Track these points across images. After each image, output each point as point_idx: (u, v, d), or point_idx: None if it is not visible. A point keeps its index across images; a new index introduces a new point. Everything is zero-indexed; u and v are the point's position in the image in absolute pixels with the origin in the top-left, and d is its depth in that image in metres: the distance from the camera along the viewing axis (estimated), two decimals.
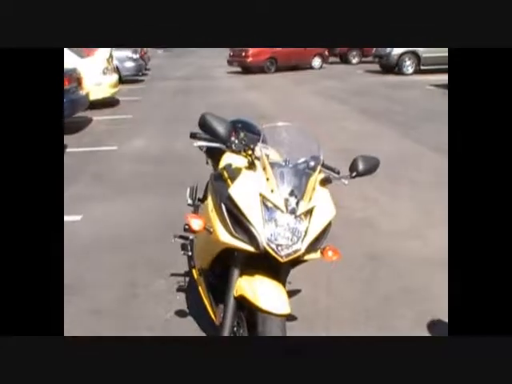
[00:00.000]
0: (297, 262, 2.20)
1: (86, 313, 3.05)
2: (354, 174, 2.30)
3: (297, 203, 2.08)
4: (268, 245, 2.04)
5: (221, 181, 2.38)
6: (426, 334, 2.72)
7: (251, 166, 2.22)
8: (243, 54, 18.00)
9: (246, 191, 2.14)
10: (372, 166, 2.34)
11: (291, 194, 2.09)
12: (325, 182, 2.27)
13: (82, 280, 3.46)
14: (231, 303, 2.22)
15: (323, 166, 2.36)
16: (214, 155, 2.92)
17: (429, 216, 4.36)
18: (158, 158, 6.53)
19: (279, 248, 2.04)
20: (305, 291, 3.23)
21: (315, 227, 2.12)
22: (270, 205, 2.09)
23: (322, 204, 2.18)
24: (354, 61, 21.21)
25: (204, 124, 2.25)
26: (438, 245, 3.55)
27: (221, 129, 2.24)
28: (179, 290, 3.31)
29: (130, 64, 16.11)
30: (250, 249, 2.08)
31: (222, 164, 2.71)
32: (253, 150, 2.27)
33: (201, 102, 11.04)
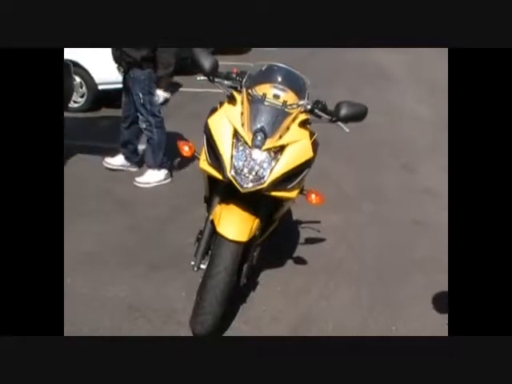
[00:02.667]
0: (277, 200, 2.31)
1: (122, 228, 3.37)
2: (334, 118, 2.35)
3: (263, 139, 2.15)
4: (232, 175, 2.12)
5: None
6: None
7: (233, 100, 2.31)
8: None
9: (220, 122, 2.23)
10: (356, 113, 2.36)
11: (260, 129, 2.17)
12: (304, 123, 2.32)
13: (134, 198, 3.84)
14: (208, 226, 2.37)
15: (319, 108, 2.42)
16: None
17: None
18: None
19: (243, 179, 2.12)
20: None
21: (283, 165, 2.16)
22: (240, 137, 2.17)
23: (297, 145, 2.23)
24: None
25: (192, 57, 2.40)
26: None
27: (206, 63, 2.37)
28: None
29: None
30: (219, 176, 2.18)
31: None
32: (240, 85, 2.40)
33: (328, 58, 10.84)
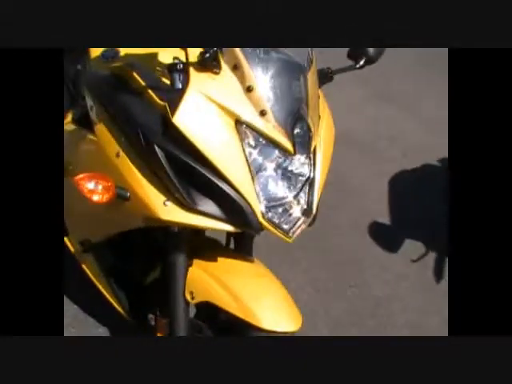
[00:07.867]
0: None
1: None
2: (363, 61, 1.55)
3: (306, 132, 1.21)
4: (268, 219, 1.19)
5: (125, 93, 1.33)
6: None
7: (208, 63, 1.22)
8: None
9: (206, 117, 1.14)
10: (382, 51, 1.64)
11: (296, 114, 1.19)
12: (323, 80, 1.47)
13: None
14: (181, 311, 1.44)
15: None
16: None
17: None
18: None
19: (286, 220, 1.21)
20: None
21: (321, 171, 1.28)
22: (261, 139, 1.17)
23: (325, 128, 1.38)
24: None
25: None
26: None
27: None
28: None
29: None
30: (230, 229, 1.21)
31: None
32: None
33: None
